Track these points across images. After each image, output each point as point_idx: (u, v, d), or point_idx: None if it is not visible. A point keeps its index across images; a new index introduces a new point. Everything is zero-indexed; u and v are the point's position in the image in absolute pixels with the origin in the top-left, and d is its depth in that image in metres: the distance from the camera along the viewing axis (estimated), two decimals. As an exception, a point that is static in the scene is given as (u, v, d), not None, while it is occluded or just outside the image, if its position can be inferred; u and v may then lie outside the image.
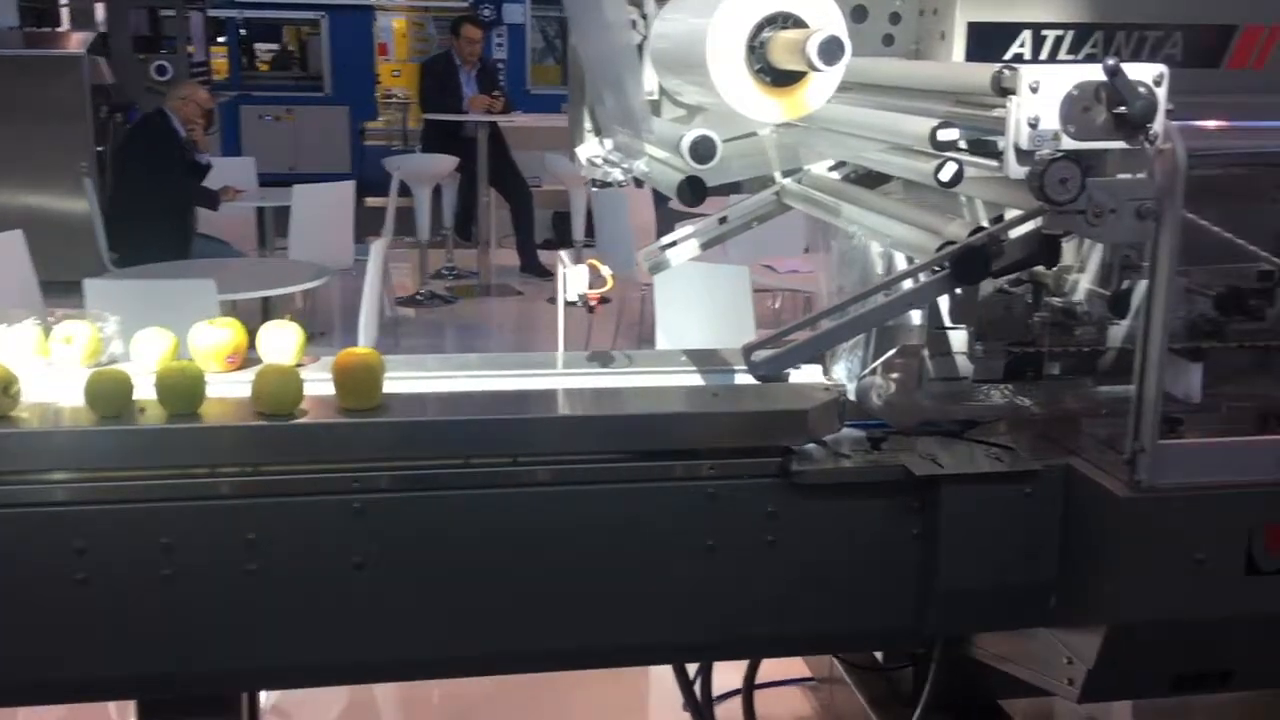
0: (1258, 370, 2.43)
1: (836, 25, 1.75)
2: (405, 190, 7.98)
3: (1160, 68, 1.67)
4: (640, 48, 2.23)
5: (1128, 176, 1.73)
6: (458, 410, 1.98)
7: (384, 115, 12.98)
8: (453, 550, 1.90)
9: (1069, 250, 2.13)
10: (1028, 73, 1.66)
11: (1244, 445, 1.87)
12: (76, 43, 8.14)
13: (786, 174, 2.48)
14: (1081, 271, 2.24)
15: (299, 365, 2.09)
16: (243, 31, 13.40)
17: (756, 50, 1.76)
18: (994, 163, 1.76)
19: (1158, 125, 1.68)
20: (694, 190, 1.84)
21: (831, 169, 2.43)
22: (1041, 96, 1.65)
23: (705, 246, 2.48)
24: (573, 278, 2.13)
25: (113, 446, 1.82)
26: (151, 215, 6.10)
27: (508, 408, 2.00)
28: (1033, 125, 1.66)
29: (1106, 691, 2.12)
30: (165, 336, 2.10)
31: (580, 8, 2.12)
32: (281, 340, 2.12)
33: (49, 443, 1.82)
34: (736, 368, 2.24)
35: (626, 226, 5.92)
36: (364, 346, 2.13)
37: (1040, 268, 2.06)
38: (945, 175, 1.74)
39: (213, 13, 12.05)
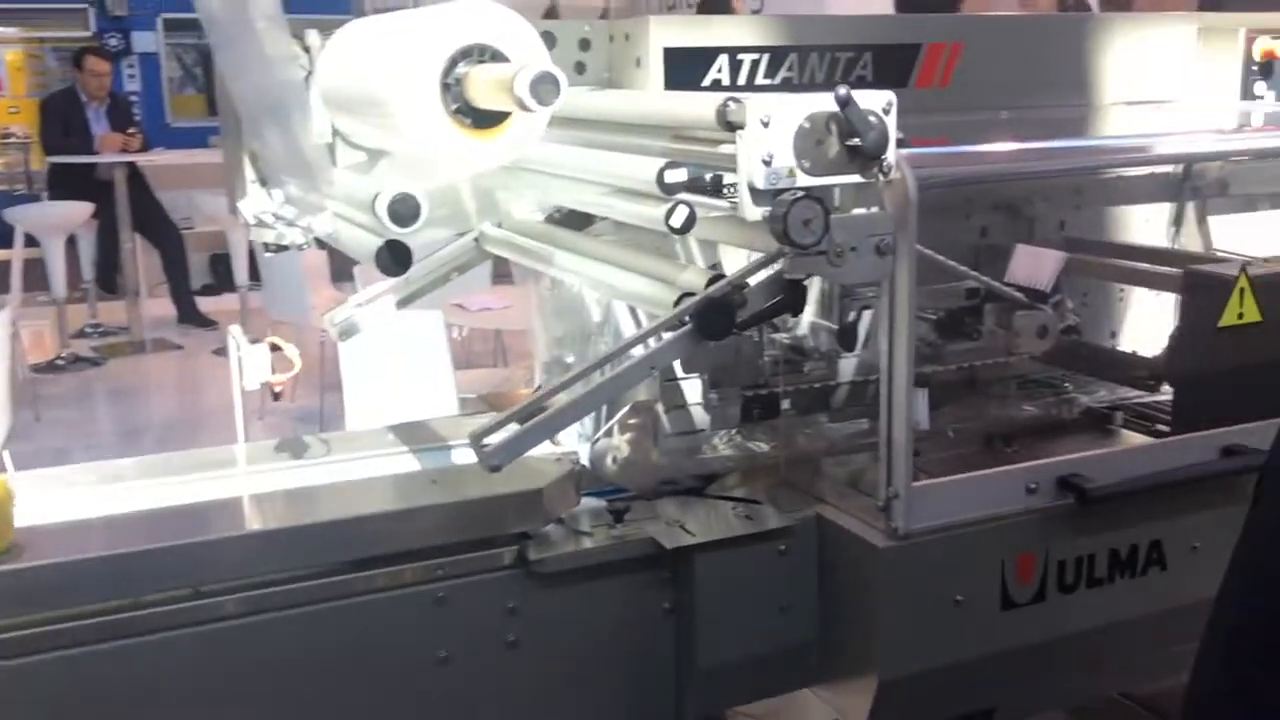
0: (970, 388, 2.43)
1: (541, 59, 1.54)
2: (33, 241, 7.11)
3: (889, 95, 1.56)
4: (304, 84, 1.94)
5: (863, 211, 1.61)
6: (118, 539, 1.61)
7: (2, 157, 11.65)
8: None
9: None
10: (756, 105, 1.50)
11: (992, 478, 1.81)
12: None
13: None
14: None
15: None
16: None
17: (452, 88, 1.52)
18: (725, 204, 1.61)
19: (890, 155, 1.57)
20: (396, 257, 1.58)
21: (534, 210, 2.22)
22: (773, 131, 1.51)
23: (402, 304, 2.20)
24: (251, 362, 1.80)
25: None
26: None
27: (182, 527, 1.65)
28: (766, 162, 1.51)
29: (874, 745, 2.02)
30: None
31: (227, 39, 1.79)
32: None
33: None
34: (453, 442, 1.99)
35: (297, 268, 5.47)
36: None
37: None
38: (677, 220, 1.56)
39: None
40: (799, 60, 2.30)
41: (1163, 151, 2.07)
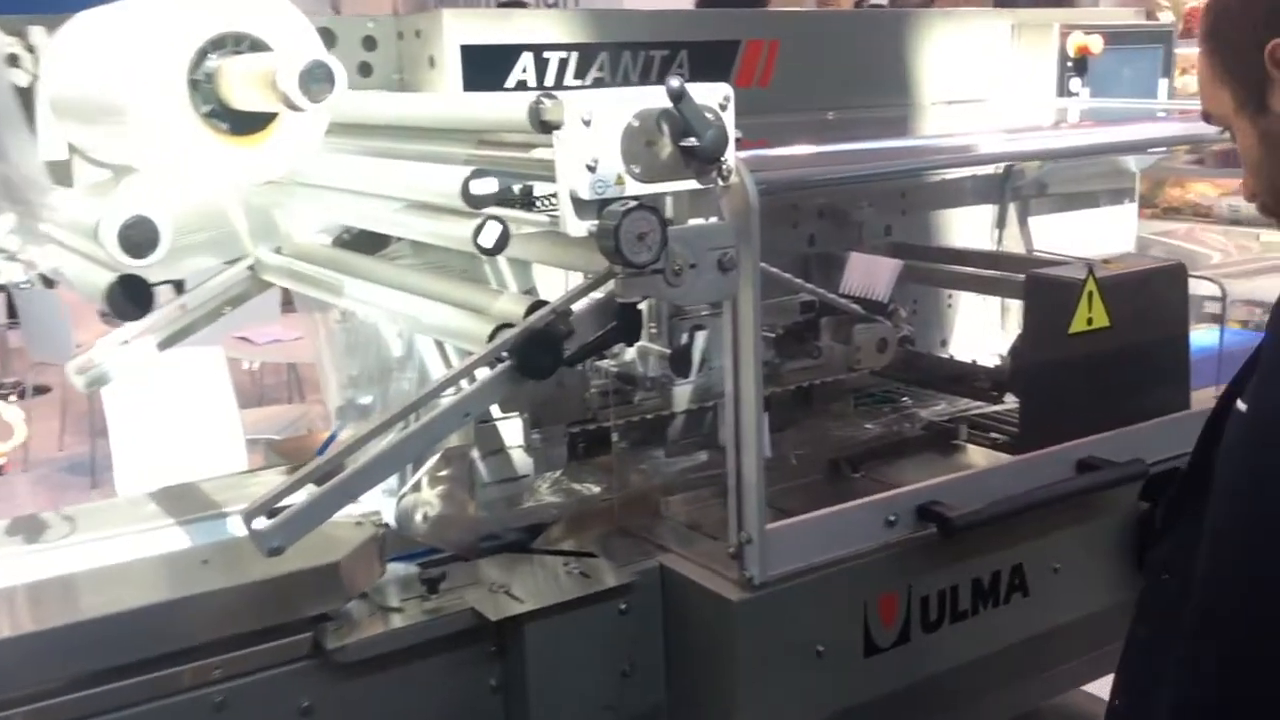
0: (808, 408, 2.27)
1: (312, 47, 1.28)
2: None
3: (725, 88, 1.36)
4: (29, 91, 1.61)
5: (702, 222, 1.41)
6: None
7: None
8: None
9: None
10: (576, 102, 1.28)
11: (850, 513, 1.64)
12: None
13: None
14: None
15: None
16: None
17: (202, 85, 1.24)
18: (543, 218, 1.38)
19: (729, 157, 1.37)
20: (132, 295, 1.28)
21: (319, 231, 1.93)
22: (596, 131, 1.29)
23: (164, 346, 1.88)
24: (-37, 430, 1.46)
25: None
26: None
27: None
28: (590, 168, 1.29)
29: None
30: None
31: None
32: None
33: None
34: (228, 509, 1.69)
35: (55, 303, 4.94)
36: None
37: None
38: (487, 239, 1.32)
39: None
40: (610, 59, 2.10)
41: (997, 150, 1.95)
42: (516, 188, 1.59)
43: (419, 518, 1.67)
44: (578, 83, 2.05)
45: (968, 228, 2.62)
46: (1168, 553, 1.43)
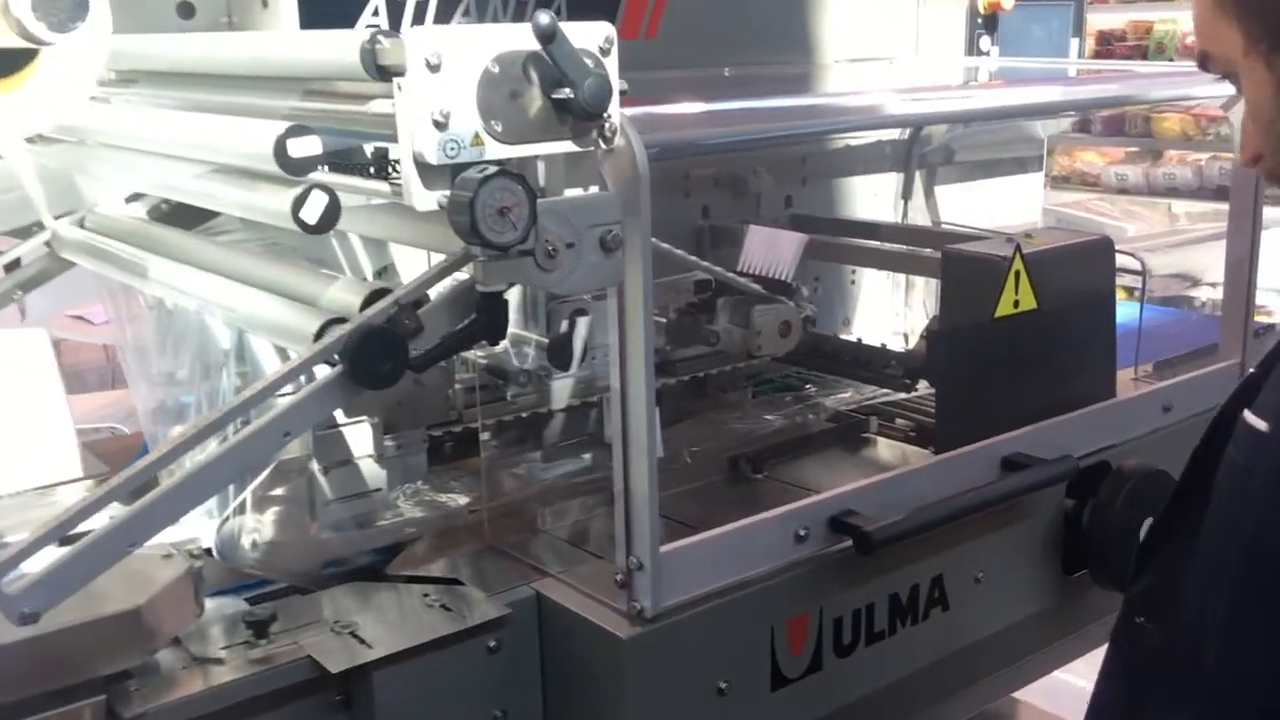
0: (701, 399, 2.05)
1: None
2: None
3: (607, 28, 1.12)
4: None
5: (581, 193, 1.17)
6: None
7: None
8: None
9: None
10: (420, 41, 1.02)
11: (755, 528, 1.42)
12: None
13: (61, 215, 1.64)
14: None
15: None
16: None
17: (-71, 14, 0.95)
18: (384, 186, 1.12)
19: (613, 113, 1.13)
20: None
21: (131, 200, 1.64)
22: (447, 78, 1.03)
23: (-62, 338, 1.57)
24: None
25: None
26: None
27: None
28: (440, 124, 1.03)
29: None
30: None
31: None
32: None
33: None
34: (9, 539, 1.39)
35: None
36: None
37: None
38: (311, 213, 1.06)
39: None
40: (476, 4, 1.84)
41: (915, 111, 1.74)
42: (369, 149, 1.33)
43: (246, 544, 1.40)
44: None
45: (871, 198, 2.43)
46: (1147, 588, 1.23)
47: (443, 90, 1.03)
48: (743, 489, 1.74)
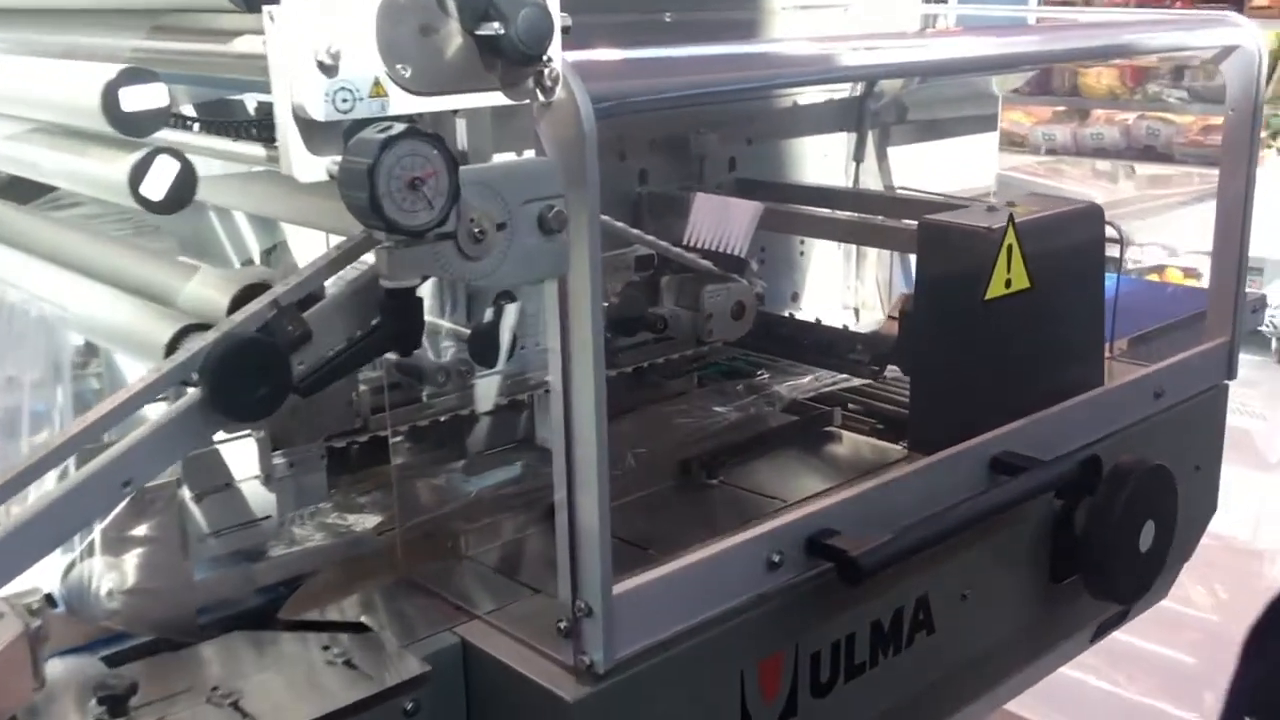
0: (641, 390, 1.82)
1: None
2: None
3: (545, -53, 0.87)
4: None
5: (514, 160, 0.92)
6: None
7: None
8: None
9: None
10: (299, -44, 0.76)
11: (722, 557, 1.19)
12: None
13: None
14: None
15: None
16: None
17: None
18: (259, 150, 0.86)
19: (554, 55, 0.88)
20: None
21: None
22: (335, 5, 0.77)
23: None
24: None
25: None
26: None
27: None
28: (328, 67, 0.78)
29: None
30: None
31: None
32: None
33: None
34: None
35: None
36: None
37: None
38: (155, 188, 0.80)
39: None
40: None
41: (900, 60, 1.52)
42: (253, 103, 1.07)
43: (101, 590, 1.14)
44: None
45: (821, 160, 2.21)
46: (1260, 682, 1.03)
47: (330, 22, 0.77)
48: (697, 498, 1.51)
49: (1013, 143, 6.02)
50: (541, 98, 0.90)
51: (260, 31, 0.79)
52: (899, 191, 2.21)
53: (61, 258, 1.03)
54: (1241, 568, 3.49)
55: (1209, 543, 1.97)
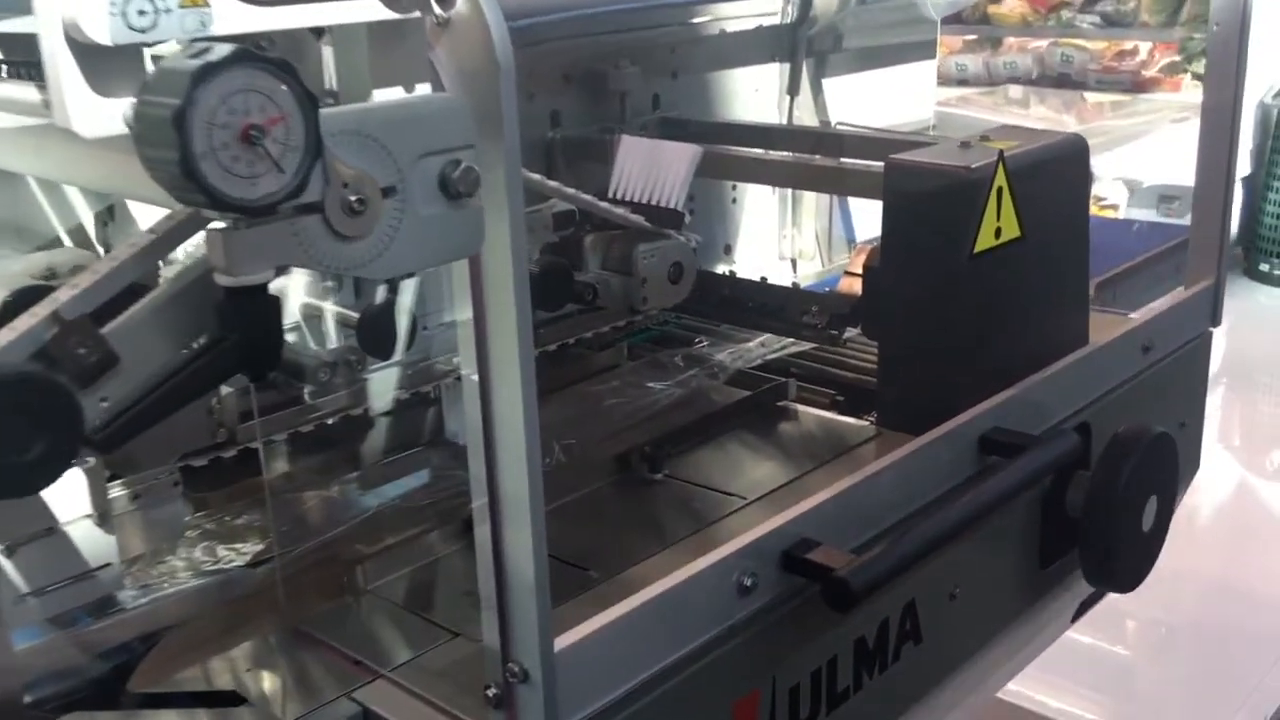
0: (565, 366, 1.58)
1: None
2: None
3: None
4: None
5: (400, 96, 0.67)
6: None
7: None
8: None
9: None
10: None
11: (686, 588, 0.97)
12: None
13: None
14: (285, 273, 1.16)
15: None
16: None
17: None
18: (31, 92, 0.60)
19: (451, -45, 0.63)
20: None
21: None
22: None
23: None
24: None
25: None
26: None
27: None
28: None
29: None
30: None
31: None
32: None
33: None
34: None
35: None
36: None
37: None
38: None
39: None
40: None
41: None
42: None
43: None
44: None
45: (753, 95, 1.98)
46: None
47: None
48: (640, 498, 1.29)
49: (923, 74, 5.84)
50: (438, 10, 0.65)
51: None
52: (839, 127, 1.98)
53: None
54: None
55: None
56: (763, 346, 1.62)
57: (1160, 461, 1.38)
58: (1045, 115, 4.90)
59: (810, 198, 2.11)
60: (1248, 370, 3.74)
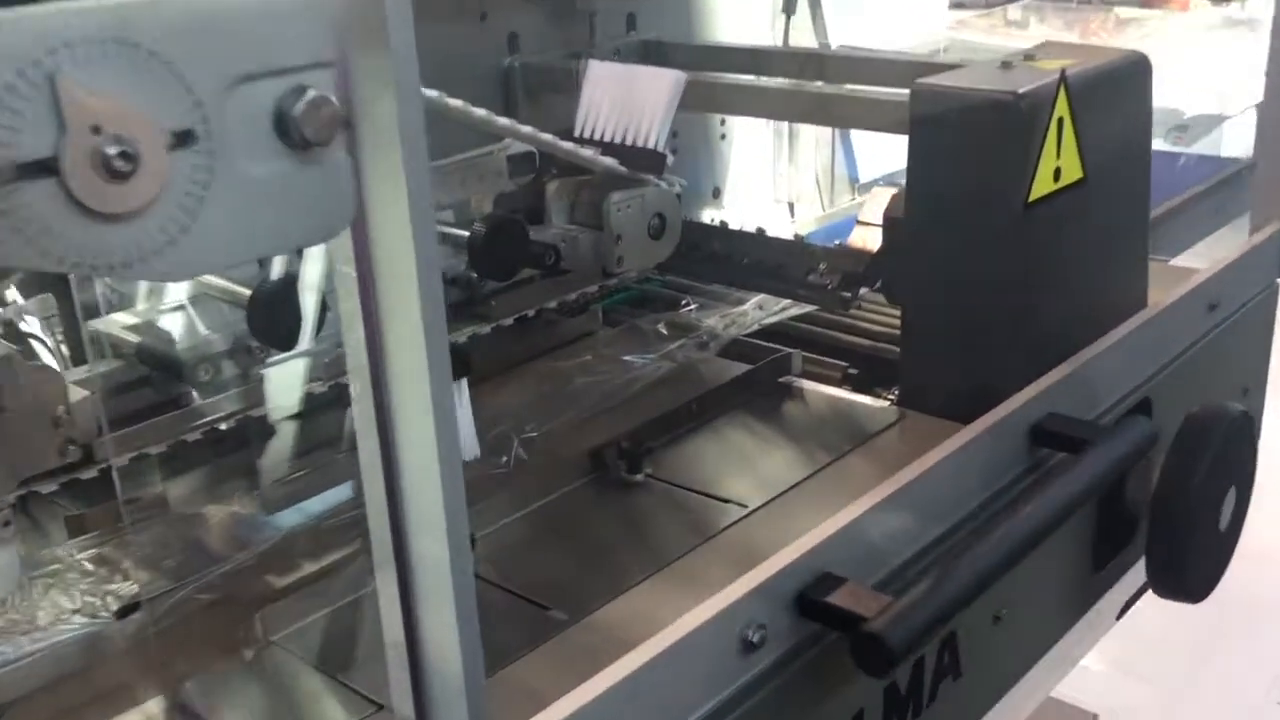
0: (524, 333, 1.34)
1: None
2: None
3: None
4: None
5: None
6: None
7: None
8: None
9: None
10: None
11: (674, 653, 0.74)
12: None
13: None
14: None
15: None
16: None
17: None
18: None
19: None
20: None
21: None
22: None
23: None
24: None
25: None
26: None
27: None
28: None
29: None
30: None
31: None
32: None
33: None
34: None
35: None
36: None
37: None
38: None
39: None
40: None
41: None
42: None
43: None
44: None
45: (741, 14, 1.72)
46: None
47: None
48: (616, 506, 1.05)
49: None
50: None
51: None
52: (842, 50, 1.73)
53: None
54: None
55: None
56: (760, 309, 1.38)
57: (1240, 446, 1.15)
58: (1049, 35, 4.61)
59: (809, 132, 1.86)
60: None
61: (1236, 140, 3.56)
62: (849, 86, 1.28)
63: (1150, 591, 1.17)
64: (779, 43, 1.79)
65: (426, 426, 0.55)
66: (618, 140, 1.17)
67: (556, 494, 1.06)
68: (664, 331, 1.33)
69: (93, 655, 0.82)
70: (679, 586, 0.92)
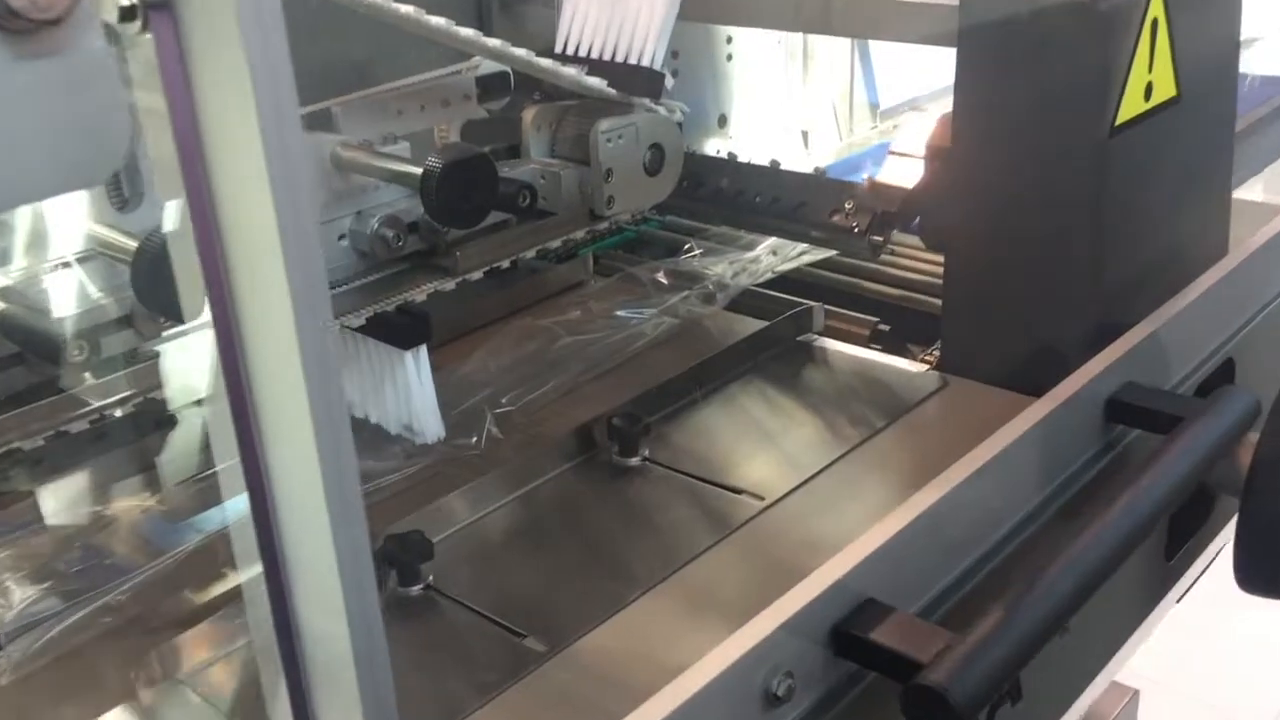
0: (500, 290, 1.15)
1: None
2: None
3: None
4: None
5: None
6: None
7: None
8: None
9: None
10: None
11: (683, 713, 0.57)
12: None
13: None
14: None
15: None
16: None
17: None
18: None
19: None
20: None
21: None
22: None
23: None
24: None
25: None
26: None
27: None
28: None
29: None
30: None
31: None
32: None
33: None
34: None
35: None
36: None
37: None
38: None
39: None
40: None
41: None
42: None
43: None
44: None
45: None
46: None
47: None
48: (608, 498, 0.88)
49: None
50: None
51: None
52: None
53: None
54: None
55: None
56: (774, 255, 1.19)
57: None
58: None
59: (823, 49, 1.66)
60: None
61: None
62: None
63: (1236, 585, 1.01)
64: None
65: (308, 447, 0.38)
66: (607, 58, 0.98)
67: (536, 482, 0.88)
68: (664, 281, 1.15)
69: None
70: (681, 605, 0.75)
